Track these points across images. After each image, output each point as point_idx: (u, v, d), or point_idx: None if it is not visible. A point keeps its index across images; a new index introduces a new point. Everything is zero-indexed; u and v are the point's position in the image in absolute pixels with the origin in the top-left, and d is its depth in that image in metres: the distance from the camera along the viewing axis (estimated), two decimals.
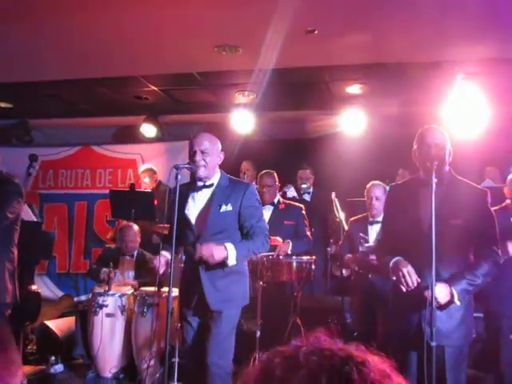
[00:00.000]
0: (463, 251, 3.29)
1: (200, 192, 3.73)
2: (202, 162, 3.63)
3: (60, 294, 6.98)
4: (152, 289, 5.31)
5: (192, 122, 7.33)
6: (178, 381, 4.65)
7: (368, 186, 5.26)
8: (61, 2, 4.29)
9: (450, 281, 3.18)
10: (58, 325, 5.86)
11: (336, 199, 5.88)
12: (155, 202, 5.94)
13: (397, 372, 0.81)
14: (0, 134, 7.30)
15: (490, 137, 5.57)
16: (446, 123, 4.81)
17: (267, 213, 5.36)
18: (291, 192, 6.43)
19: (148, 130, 7.34)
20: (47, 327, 5.76)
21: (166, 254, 3.68)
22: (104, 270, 5.70)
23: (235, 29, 4.85)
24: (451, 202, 3.24)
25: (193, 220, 3.69)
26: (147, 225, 6.06)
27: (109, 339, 5.35)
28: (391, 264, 3.35)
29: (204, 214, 3.67)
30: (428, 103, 5.42)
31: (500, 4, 4.19)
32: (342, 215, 5.75)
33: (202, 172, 3.65)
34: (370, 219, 5.22)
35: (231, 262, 3.50)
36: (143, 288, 5.43)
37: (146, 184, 6.90)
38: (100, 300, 5.40)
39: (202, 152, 3.63)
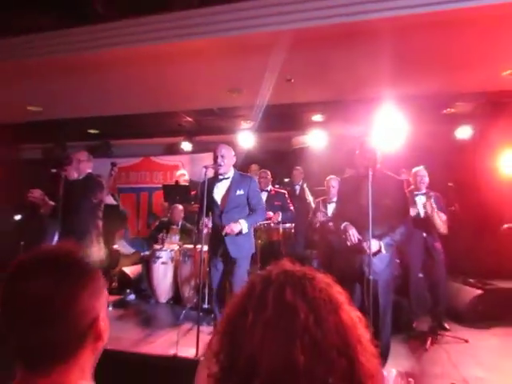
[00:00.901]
0: (388, 219, 3.25)
1: (221, 182, 3.69)
2: (222, 163, 3.60)
3: (132, 250, 6.93)
4: (190, 246, 5.30)
5: (213, 141, 7.26)
6: (207, 303, 4.66)
7: (327, 178, 5.24)
8: (130, 60, 4.22)
9: (379, 237, 3.17)
10: (130, 270, 5.87)
11: (306, 188, 5.84)
12: (192, 192, 5.85)
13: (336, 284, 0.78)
14: (90, 150, 7.23)
15: (404, 147, 5.52)
16: (376, 138, 4.79)
17: (264, 196, 5.32)
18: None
19: (186, 145, 7.29)
20: (124, 271, 5.77)
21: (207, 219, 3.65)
22: (160, 234, 5.69)
23: (240, 79, 4.78)
24: (381, 188, 3.21)
25: (218, 200, 3.66)
26: (186, 206, 5.99)
27: (163, 278, 5.35)
28: (342, 227, 3.35)
29: (226, 196, 3.65)
30: (365, 124, 5.35)
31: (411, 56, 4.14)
32: (311, 198, 5.71)
33: (221, 170, 3.63)
34: (328, 200, 5.19)
35: (245, 230, 3.56)
36: (185, 245, 5.42)
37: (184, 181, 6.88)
38: (157, 253, 5.41)
39: (222, 156, 3.61)
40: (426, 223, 4.18)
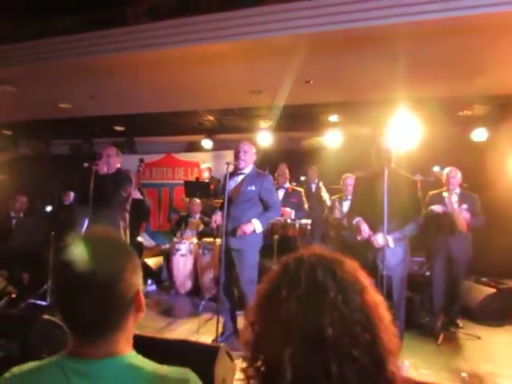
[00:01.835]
0: (400, 217, 3.27)
1: (237, 176, 3.74)
2: (243, 159, 3.66)
3: (153, 243, 7.08)
4: (209, 239, 5.38)
5: (233, 140, 7.34)
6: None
7: (343, 177, 5.25)
8: (156, 62, 4.31)
9: (388, 232, 3.18)
10: (152, 261, 5.97)
11: (323, 186, 5.87)
12: (212, 187, 5.94)
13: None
14: (115, 146, 7.39)
15: (420, 148, 5.49)
16: (392, 139, 4.78)
17: (281, 192, 5.40)
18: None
19: (206, 143, 7.37)
20: (146, 263, 5.88)
21: (219, 213, 3.69)
22: (179, 228, 5.81)
23: (260, 81, 4.85)
24: (395, 186, 3.23)
25: (231, 193, 3.66)
26: (206, 200, 6.09)
27: (182, 270, 5.45)
28: (354, 222, 3.39)
29: (237, 189, 3.68)
30: (381, 125, 5.34)
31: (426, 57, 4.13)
32: (327, 196, 5.73)
33: (241, 165, 3.68)
34: (344, 198, 5.21)
35: (258, 230, 3.55)
36: (204, 238, 5.51)
37: (206, 176, 6.95)
38: (176, 246, 5.50)
39: (244, 152, 3.66)
40: (449, 223, 4.08)
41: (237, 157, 3.69)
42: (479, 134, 6.01)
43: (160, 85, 5.07)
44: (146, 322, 4.09)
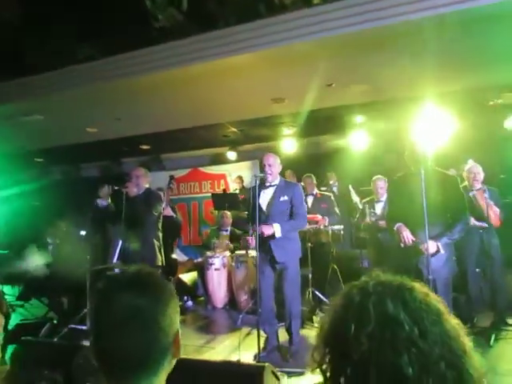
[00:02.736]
0: (443, 217, 3.13)
1: (267, 189, 3.67)
2: (269, 172, 3.59)
3: (185, 258, 7.07)
4: (242, 252, 5.32)
5: (257, 149, 7.32)
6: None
7: (373, 178, 5.11)
8: (178, 80, 4.32)
9: (436, 238, 3.04)
10: (187, 277, 5.94)
11: (352, 189, 5.73)
12: (242, 197, 5.87)
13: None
14: (142, 164, 7.45)
15: (453, 143, 5.28)
16: (423, 136, 4.63)
17: (310, 199, 5.29)
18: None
19: (231, 155, 7.37)
20: (181, 279, 5.86)
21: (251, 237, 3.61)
22: (212, 241, 5.77)
23: (282, 88, 4.76)
24: (434, 186, 3.08)
25: (264, 207, 3.62)
26: (236, 212, 6.04)
27: (217, 284, 5.40)
28: (395, 228, 3.24)
29: (271, 202, 3.62)
30: (410, 123, 5.17)
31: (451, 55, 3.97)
32: (357, 199, 5.59)
33: (269, 178, 3.62)
34: (376, 200, 5.06)
35: (277, 234, 3.49)
36: (237, 251, 5.45)
37: (236, 187, 6.95)
38: (210, 260, 5.47)
39: (269, 165, 3.60)
40: (482, 219, 3.98)
41: (263, 170, 3.63)
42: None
43: (183, 101, 5.09)
44: (185, 340, 3.92)
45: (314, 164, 6.57)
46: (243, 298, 5.06)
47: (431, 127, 5.05)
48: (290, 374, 3.12)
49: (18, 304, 5.41)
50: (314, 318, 4.53)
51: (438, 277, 3.09)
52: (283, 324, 3.69)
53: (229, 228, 5.99)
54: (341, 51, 3.80)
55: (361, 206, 5.31)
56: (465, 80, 4.72)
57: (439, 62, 4.05)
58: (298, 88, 4.53)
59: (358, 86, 4.76)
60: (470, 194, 4.08)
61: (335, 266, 4.99)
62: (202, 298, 5.67)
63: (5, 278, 5.84)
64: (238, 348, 3.50)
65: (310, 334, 4.09)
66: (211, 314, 5.26)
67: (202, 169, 8.15)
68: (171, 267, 5.25)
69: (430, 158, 3.26)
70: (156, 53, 3.98)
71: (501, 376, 3.01)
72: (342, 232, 5.00)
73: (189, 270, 6.25)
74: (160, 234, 4.15)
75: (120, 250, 4.36)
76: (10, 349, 2.07)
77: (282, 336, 3.70)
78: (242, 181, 7.00)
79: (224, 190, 6.91)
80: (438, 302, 0.73)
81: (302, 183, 5.27)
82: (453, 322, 0.71)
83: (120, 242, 4.20)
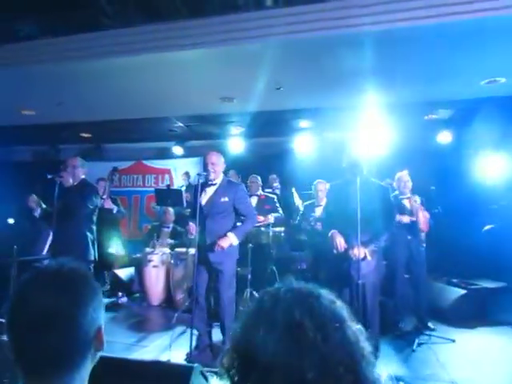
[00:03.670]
0: (374, 225, 3.27)
1: (209, 188, 3.64)
2: (212, 170, 3.57)
3: (123, 252, 6.85)
4: (182, 249, 5.24)
5: (204, 146, 7.24)
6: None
7: (315, 182, 5.25)
8: (124, 68, 4.19)
9: (364, 244, 3.19)
10: (123, 272, 5.78)
11: (295, 192, 5.85)
12: (186, 195, 5.75)
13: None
14: (82, 153, 7.08)
15: (389, 153, 5.55)
16: (362, 144, 4.84)
17: (254, 200, 5.32)
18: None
19: (177, 150, 7.24)
20: (116, 274, 5.69)
21: (193, 223, 3.56)
22: (151, 238, 5.65)
23: (232, 87, 4.75)
24: (367, 194, 3.23)
25: (203, 205, 3.58)
26: (178, 209, 5.95)
27: (155, 281, 5.30)
28: (329, 235, 3.37)
29: (210, 201, 3.59)
30: (351, 130, 5.38)
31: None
32: (299, 202, 5.71)
33: (212, 177, 3.59)
34: (316, 204, 5.20)
35: (235, 243, 3.49)
36: (177, 249, 5.37)
37: (182, 183, 6.84)
38: (148, 257, 5.35)
39: (212, 164, 3.58)
40: (411, 227, 4.22)
41: (206, 168, 3.60)
42: (444, 137, 6.16)
43: (129, 91, 4.91)
44: (116, 338, 3.93)
45: (259, 165, 6.61)
46: (180, 296, 4.99)
47: (370, 136, 5.30)
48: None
49: None
50: None
51: (367, 281, 3.26)
52: (219, 324, 3.69)
53: (171, 225, 5.89)
54: (289, 56, 3.86)
55: (302, 209, 5.44)
56: (404, 93, 4.98)
57: (379, 76, 4.26)
58: (247, 89, 4.54)
59: (305, 91, 4.87)
60: (401, 200, 4.32)
61: (274, 268, 5.07)
62: (138, 295, 5.52)
63: None
64: (169, 347, 3.45)
65: None
66: (146, 312, 5.15)
67: (146, 162, 7.93)
68: (106, 261, 5.07)
69: (366, 168, 3.42)
70: (101, 38, 3.82)
71: (422, 381, 3.15)
72: (282, 234, 5.08)
73: (125, 266, 6.08)
74: (94, 227, 3.98)
75: (51, 242, 4.15)
76: None
77: (216, 336, 3.70)
78: (189, 177, 6.89)
79: (168, 186, 6.76)
80: (342, 308, 0.77)
81: (248, 183, 5.31)
82: (354, 327, 0.75)
83: (51, 233, 3.98)
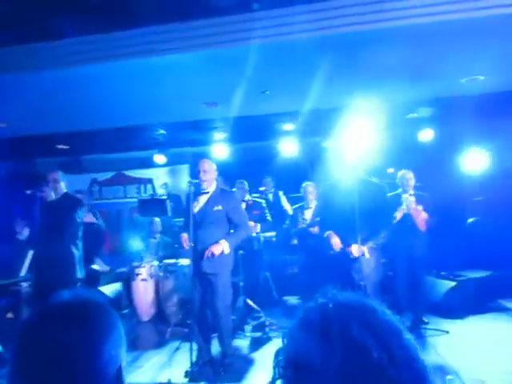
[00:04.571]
0: (371, 223, 3.23)
1: (201, 196, 3.52)
2: (204, 178, 3.46)
3: (107, 268, 6.60)
4: (171, 261, 5.07)
5: (187, 153, 7.07)
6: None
7: (303, 185, 5.20)
8: (102, 75, 4.02)
9: (362, 242, 3.15)
10: (108, 289, 5.49)
11: (283, 196, 5.78)
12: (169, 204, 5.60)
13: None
14: (59, 166, 6.81)
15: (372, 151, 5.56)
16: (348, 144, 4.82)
17: (242, 206, 5.20)
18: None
19: (159, 159, 7.03)
20: (101, 292, 5.42)
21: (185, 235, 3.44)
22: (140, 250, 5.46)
23: (215, 92, 4.65)
24: (363, 193, 3.20)
25: (196, 215, 3.46)
26: (165, 219, 5.78)
27: (144, 296, 5.09)
28: (325, 235, 3.33)
29: (202, 210, 3.48)
30: (337, 131, 5.35)
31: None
32: (287, 206, 5.64)
33: (204, 185, 3.48)
34: (305, 206, 5.14)
35: (227, 251, 3.37)
36: (166, 260, 5.18)
37: (161, 193, 6.65)
38: (136, 270, 5.14)
39: (204, 171, 3.46)
40: (410, 225, 4.19)
41: (198, 176, 3.49)
42: (425, 135, 6.22)
43: (106, 99, 4.73)
44: None
45: (246, 170, 6.50)
46: (172, 309, 4.81)
47: (356, 135, 5.29)
48: None
49: None
50: (246, 327, 4.46)
51: (368, 282, 3.22)
52: (215, 335, 3.56)
53: (158, 235, 5.70)
54: (274, 59, 3.79)
55: (291, 213, 5.37)
56: (387, 91, 4.99)
57: (362, 76, 4.26)
58: (230, 94, 4.45)
59: (288, 95, 4.81)
60: (402, 200, 4.27)
61: (267, 274, 4.97)
62: (127, 311, 5.30)
63: None
64: (167, 365, 3.29)
65: (243, 344, 4.01)
66: (136, 328, 4.93)
67: (127, 172, 7.68)
68: (91, 279, 4.84)
69: (357, 167, 3.39)
70: (77, 44, 3.63)
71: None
72: (273, 239, 5.00)
73: (111, 282, 5.85)
74: (80, 243, 3.79)
75: (32, 261, 3.92)
76: None
77: (214, 348, 3.56)
78: (167, 187, 6.71)
79: (152, 196, 6.58)
80: (396, 319, 0.68)
81: (234, 189, 5.20)
82: (408, 337, 0.65)
83: (31, 252, 3.76)
